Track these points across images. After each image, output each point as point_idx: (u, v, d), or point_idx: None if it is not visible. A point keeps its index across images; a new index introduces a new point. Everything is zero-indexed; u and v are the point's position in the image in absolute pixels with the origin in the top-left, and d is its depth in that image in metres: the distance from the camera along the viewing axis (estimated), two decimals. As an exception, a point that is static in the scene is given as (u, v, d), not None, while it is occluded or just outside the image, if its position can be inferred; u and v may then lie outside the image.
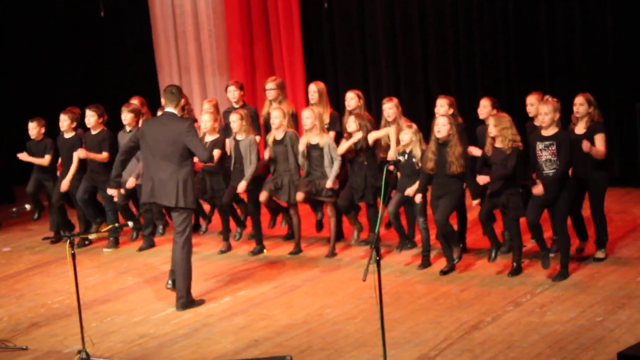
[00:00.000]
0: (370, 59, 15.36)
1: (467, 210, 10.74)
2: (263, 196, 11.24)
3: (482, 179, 9.68)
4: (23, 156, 12.58)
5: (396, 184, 10.54)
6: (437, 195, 10.01)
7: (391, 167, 10.17)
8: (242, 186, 11.20)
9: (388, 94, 12.85)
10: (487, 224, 9.99)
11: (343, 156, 10.88)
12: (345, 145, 10.77)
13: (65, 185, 12.19)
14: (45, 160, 12.49)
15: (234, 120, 11.25)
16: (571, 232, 10.09)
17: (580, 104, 9.99)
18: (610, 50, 13.49)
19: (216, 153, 11.15)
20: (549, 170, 9.47)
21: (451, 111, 10.53)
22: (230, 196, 11.49)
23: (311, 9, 15.58)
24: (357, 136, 10.65)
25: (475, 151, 10.10)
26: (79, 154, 11.95)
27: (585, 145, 9.68)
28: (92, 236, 12.51)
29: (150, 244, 12.18)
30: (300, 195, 11.03)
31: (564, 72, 13.78)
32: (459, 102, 11.43)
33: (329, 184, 10.87)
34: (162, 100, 9.81)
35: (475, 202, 10.08)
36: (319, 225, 11.75)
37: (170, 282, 9.65)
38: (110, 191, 11.30)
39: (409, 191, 10.24)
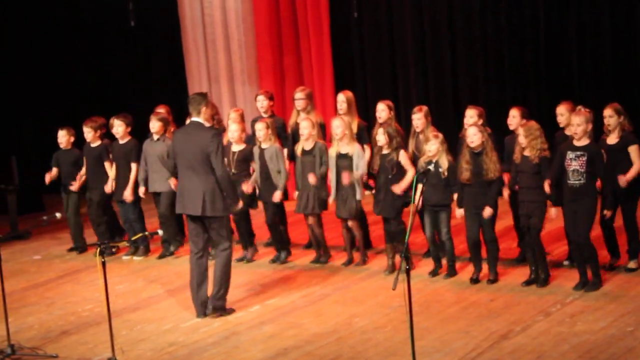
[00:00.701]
0: (400, 69, 15.39)
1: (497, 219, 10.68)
2: (311, 220, 11.29)
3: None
4: (75, 187, 12.70)
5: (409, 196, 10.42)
6: (478, 205, 9.94)
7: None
8: (277, 196, 11.24)
9: (417, 103, 12.84)
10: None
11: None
12: (403, 185, 10.48)
13: (129, 195, 12.16)
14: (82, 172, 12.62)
15: (260, 128, 11.28)
16: (602, 246, 10.12)
17: (610, 116, 9.97)
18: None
19: (245, 188, 11.21)
20: (574, 181, 9.44)
21: (480, 121, 10.50)
22: (272, 215, 11.46)
23: (341, 19, 15.61)
24: (410, 175, 10.44)
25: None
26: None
27: (622, 180, 9.75)
28: (136, 252, 12.53)
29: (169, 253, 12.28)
30: (349, 220, 11.03)
31: (594, 80, 13.78)
32: (488, 112, 11.40)
33: (358, 195, 10.86)
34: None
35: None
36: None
37: (200, 314, 9.66)
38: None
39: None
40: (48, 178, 12.72)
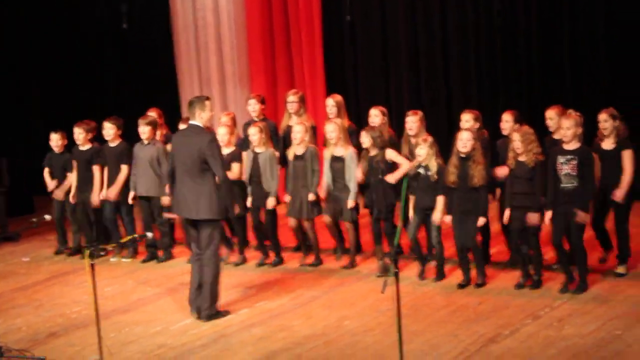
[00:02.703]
0: (392, 72, 15.38)
1: (490, 222, 10.68)
2: (292, 223, 11.32)
3: (501, 172, 9.65)
4: (59, 194, 12.67)
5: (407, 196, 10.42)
6: (463, 210, 9.95)
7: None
8: (271, 203, 11.23)
9: (409, 106, 12.82)
10: (519, 248, 9.95)
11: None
12: (397, 175, 10.65)
13: (114, 194, 12.17)
14: (73, 177, 12.53)
15: (253, 133, 11.27)
16: (594, 245, 10.07)
17: (604, 121, 9.93)
18: (635, 61, 13.47)
19: (236, 167, 11.20)
20: (566, 184, 9.43)
21: (477, 125, 10.48)
22: (268, 220, 11.44)
23: (333, 22, 15.61)
24: (405, 166, 10.56)
25: (501, 172, 10.03)
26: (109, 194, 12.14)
27: (617, 196, 9.81)
28: (117, 255, 12.51)
29: (169, 257, 12.22)
30: (327, 219, 11.08)
31: (587, 84, 13.78)
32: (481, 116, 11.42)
33: (350, 203, 10.86)
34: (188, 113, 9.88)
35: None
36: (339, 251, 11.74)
37: (194, 311, 9.62)
38: (167, 215, 11.32)
39: (436, 217, 10.16)
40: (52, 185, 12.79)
